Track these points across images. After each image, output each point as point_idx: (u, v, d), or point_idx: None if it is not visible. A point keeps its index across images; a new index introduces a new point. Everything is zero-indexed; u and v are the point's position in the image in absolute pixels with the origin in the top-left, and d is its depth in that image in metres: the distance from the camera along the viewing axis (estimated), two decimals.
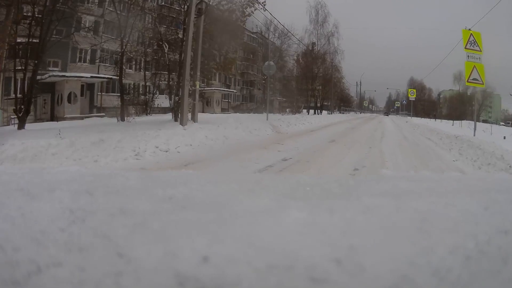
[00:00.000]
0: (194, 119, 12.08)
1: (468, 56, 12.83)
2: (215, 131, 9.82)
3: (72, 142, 6.43)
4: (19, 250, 0.41)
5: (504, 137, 14.45)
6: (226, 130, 10.36)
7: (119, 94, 18.27)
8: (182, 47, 12.66)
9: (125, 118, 14.80)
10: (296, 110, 33.76)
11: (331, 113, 38.36)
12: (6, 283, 0.37)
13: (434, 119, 38.98)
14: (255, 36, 35.20)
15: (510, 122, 46.15)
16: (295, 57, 36.92)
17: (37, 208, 0.53)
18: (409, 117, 41.33)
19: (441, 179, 0.85)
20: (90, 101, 19.67)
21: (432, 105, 55.42)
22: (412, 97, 44.63)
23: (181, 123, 10.63)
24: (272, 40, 33.99)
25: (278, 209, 0.52)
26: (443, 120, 37.81)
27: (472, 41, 12.75)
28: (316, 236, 0.44)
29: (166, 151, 7.11)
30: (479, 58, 12.91)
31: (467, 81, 13.08)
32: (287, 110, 33.43)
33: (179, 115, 11.38)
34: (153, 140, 7.39)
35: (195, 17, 11.52)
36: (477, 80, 12.89)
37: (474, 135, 12.12)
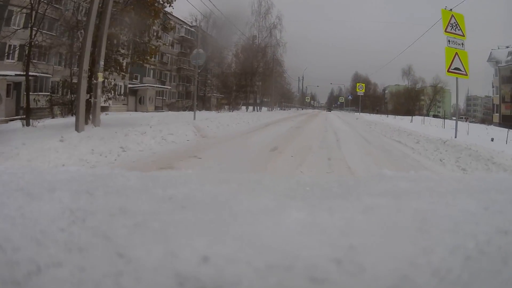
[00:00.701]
0: (94, 122, 9.59)
1: (449, 41, 10.61)
2: (111, 140, 7.03)
3: None
4: (19, 250, 0.41)
5: (492, 139, 12.09)
6: (128, 137, 7.50)
7: (47, 94, 16.22)
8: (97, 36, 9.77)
9: (31, 122, 11.69)
10: (234, 107, 32.03)
11: (271, 110, 36.46)
12: (6, 283, 0.37)
13: (385, 115, 36.97)
14: (193, 30, 32.60)
15: (463, 117, 44.99)
16: (234, 51, 34.79)
17: (37, 208, 0.53)
18: (357, 113, 38.94)
19: (441, 179, 0.85)
20: (17, 102, 17.39)
21: (378, 101, 54.03)
22: (361, 91, 41.40)
23: (77, 128, 8.28)
24: (210, 33, 31.71)
25: (278, 209, 0.52)
26: (396, 116, 35.79)
27: (454, 24, 10.67)
28: (316, 236, 0.44)
29: None
30: (462, 44, 10.71)
31: (448, 71, 10.68)
32: (226, 107, 31.55)
33: (78, 116, 8.65)
34: (7, 161, 5.01)
35: None
36: (459, 70, 10.60)
37: (456, 137, 10.17)
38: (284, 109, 42.89)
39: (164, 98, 31.85)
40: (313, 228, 0.46)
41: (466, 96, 50.18)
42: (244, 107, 34.50)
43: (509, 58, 34.92)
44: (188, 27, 33.39)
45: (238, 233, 0.44)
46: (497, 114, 35.68)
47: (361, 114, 36.64)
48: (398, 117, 33.00)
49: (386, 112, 44.57)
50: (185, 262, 0.39)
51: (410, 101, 47.73)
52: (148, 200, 0.58)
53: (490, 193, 0.63)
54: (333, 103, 65.68)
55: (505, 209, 0.55)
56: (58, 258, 0.40)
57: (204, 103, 32.25)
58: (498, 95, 35.96)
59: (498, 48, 36.42)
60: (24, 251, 0.41)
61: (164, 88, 31.46)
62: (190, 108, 28.62)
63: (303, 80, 54.14)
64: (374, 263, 0.39)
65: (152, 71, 28.79)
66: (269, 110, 35.04)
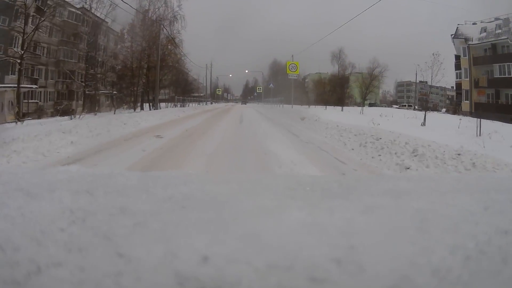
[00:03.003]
0: None
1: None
2: None
3: None
4: (19, 250, 0.41)
5: None
6: None
7: None
8: None
9: None
10: (119, 106, 24.08)
11: (158, 108, 25.37)
12: (6, 283, 0.37)
13: (307, 106, 25.73)
14: (79, 13, 23.88)
15: (405, 104, 39.11)
16: (119, 33, 25.60)
17: (37, 208, 0.53)
18: (287, 106, 26.29)
19: (441, 179, 0.85)
20: None
21: (299, 90, 46.57)
22: (293, 73, 27.32)
23: None
24: (96, 14, 23.16)
25: (278, 209, 0.52)
26: (355, 109, 25.55)
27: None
28: (316, 236, 0.44)
29: None
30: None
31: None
32: (125, 106, 24.53)
33: None
34: None
35: None
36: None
37: None
38: (184, 106, 30.15)
39: (37, 101, 22.04)
40: (313, 228, 0.46)
41: (396, 82, 46.65)
42: (147, 105, 25.59)
43: (483, 35, 26.80)
44: (74, 9, 24.08)
45: (238, 233, 0.44)
46: (467, 102, 27.54)
47: (295, 107, 24.65)
48: (356, 109, 24.33)
49: (308, 102, 31.99)
50: (185, 262, 0.39)
51: (339, 89, 39.52)
52: (148, 200, 0.58)
53: (490, 193, 0.63)
54: (249, 95, 59.57)
55: (505, 209, 0.55)
56: (58, 258, 0.40)
57: (91, 104, 24.42)
58: (468, 79, 27.69)
59: (465, 23, 28.30)
60: (24, 251, 0.41)
61: (30, 88, 21.17)
62: (64, 112, 20.29)
63: (211, 68, 39.90)
64: (374, 263, 0.39)
65: (16, 66, 19.57)
66: (157, 109, 25.18)
